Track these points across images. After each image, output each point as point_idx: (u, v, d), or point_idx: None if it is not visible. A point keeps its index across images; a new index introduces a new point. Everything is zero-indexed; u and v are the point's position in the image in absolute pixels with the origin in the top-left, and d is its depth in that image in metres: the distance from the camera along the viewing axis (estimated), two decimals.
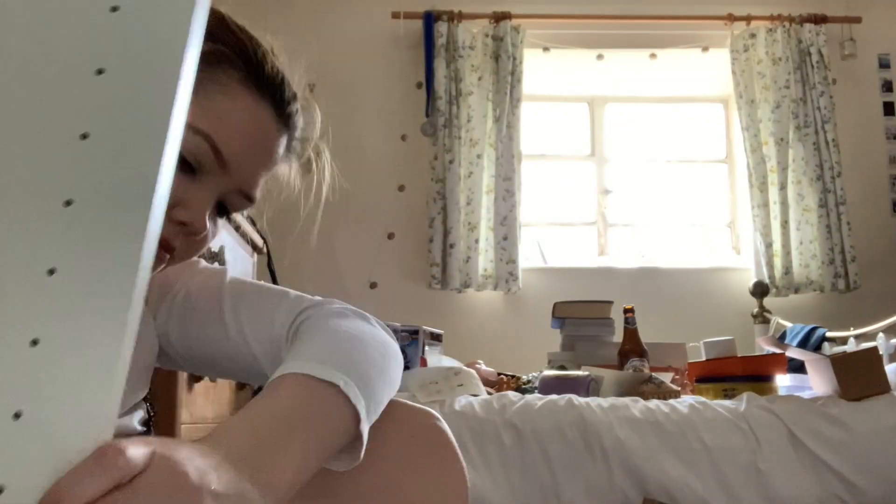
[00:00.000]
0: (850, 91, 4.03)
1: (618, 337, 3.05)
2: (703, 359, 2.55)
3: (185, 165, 0.71)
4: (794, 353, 2.27)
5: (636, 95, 4.24)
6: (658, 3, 4.03)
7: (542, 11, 3.97)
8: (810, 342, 3.20)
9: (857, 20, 4.00)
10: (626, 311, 2.45)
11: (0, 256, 0.49)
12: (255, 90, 0.77)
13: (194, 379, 1.37)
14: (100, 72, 0.53)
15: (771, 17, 3.96)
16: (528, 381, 2.47)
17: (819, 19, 3.94)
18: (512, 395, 2.03)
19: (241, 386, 1.75)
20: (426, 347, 2.39)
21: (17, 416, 0.46)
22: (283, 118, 0.81)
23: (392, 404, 0.77)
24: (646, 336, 3.73)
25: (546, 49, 3.99)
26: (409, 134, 3.90)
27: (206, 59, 0.67)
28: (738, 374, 2.28)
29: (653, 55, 4.02)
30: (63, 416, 0.46)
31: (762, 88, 3.93)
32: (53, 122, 0.52)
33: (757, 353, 3.05)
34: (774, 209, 3.84)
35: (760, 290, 3.62)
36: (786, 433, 1.92)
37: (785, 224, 3.82)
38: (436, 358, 2.47)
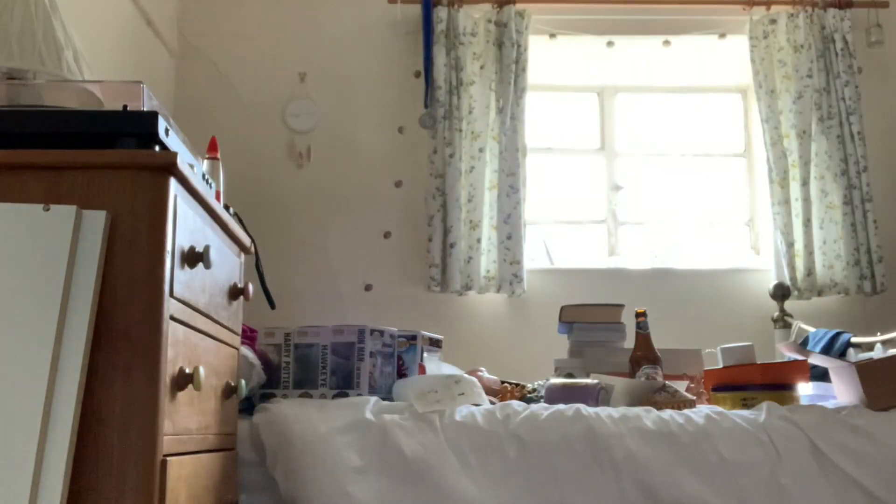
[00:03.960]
0: (876, 80, 4.03)
1: (629, 343, 3.04)
2: (721, 366, 2.54)
3: None
4: (817, 359, 2.27)
5: (649, 85, 4.24)
6: None
7: None
8: (834, 348, 3.20)
9: (885, 5, 4.00)
10: (637, 315, 2.45)
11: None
12: None
13: (177, 386, 1.37)
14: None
15: (793, 2, 3.96)
16: (534, 390, 2.47)
17: (844, 4, 3.94)
18: (516, 404, 2.02)
19: (227, 394, 1.75)
20: (425, 354, 2.39)
21: None
22: None
23: None
24: (659, 342, 3.72)
25: (552, 35, 3.99)
26: (407, 126, 3.90)
27: None
28: (757, 382, 2.28)
29: (666, 42, 4.02)
30: None
31: (783, 78, 3.93)
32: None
33: (777, 360, 3.05)
34: (796, 206, 3.84)
35: (781, 293, 3.61)
36: (808, 445, 1.92)
37: (807, 222, 3.82)
38: (435, 365, 2.46)
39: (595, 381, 2.25)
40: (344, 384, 2.12)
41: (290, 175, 3.86)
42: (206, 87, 3.90)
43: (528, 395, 2.44)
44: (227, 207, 1.90)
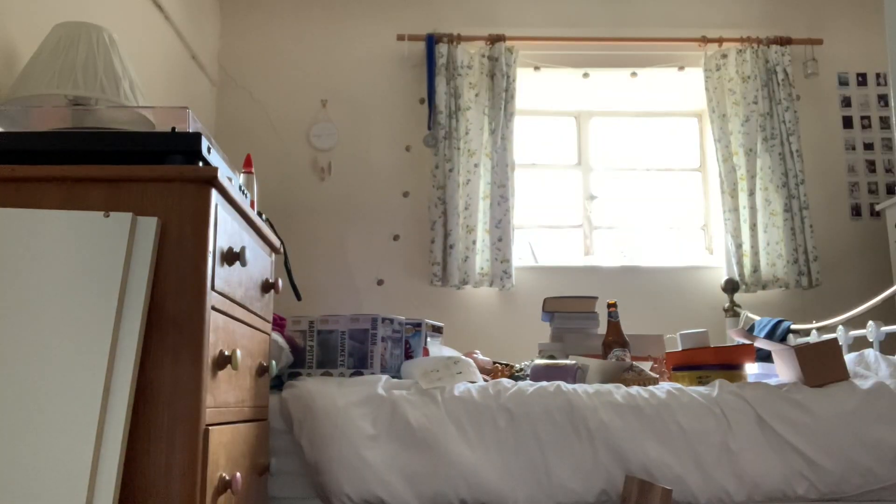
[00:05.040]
0: (812, 106, 4.03)
1: (602, 329, 3.05)
2: (679, 349, 2.54)
3: None
4: (761, 343, 2.27)
5: (618, 110, 4.24)
6: (638, 26, 4.03)
7: (534, 34, 3.97)
8: (776, 334, 3.20)
9: (819, 42, 4.01)
10: (609, 305, 2.45)
11: None
12: None
13: (217, 366, 1.37)
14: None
15: (741, 39, 3.96)
16: (521, 370, 2.47)
17: (784, 41, 3.95)
18: (506, 381, 2.02)
19: (260, 373, 1.74)
20: (428, 339, 2.39)
21: None
22: None
23: None
24: (627, 328, 3.74)
25: (537, 68, 3.99)
26: (413, 145, 3.90)
27: None
28: (711, 362, 2.27)
29: (633, 73, 4.02)
30: None
31: (733, 104, 3.93)
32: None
33: (728, 344, 3.05)
34: (744, 213, 3.84)
35: (731, 287, 3.62)
36: (754, 417, 1.92)
37: (753, 227, 3.81)
38: (437, 348, 2.46)
39: (573, 361, 2.24)
40: (359, 364, 2.12)
41: (313, 187, 3.86)
42: (242, 112, 3.90)
43: (516, 374, 2.44)
44: (260, 214, 1.90)
